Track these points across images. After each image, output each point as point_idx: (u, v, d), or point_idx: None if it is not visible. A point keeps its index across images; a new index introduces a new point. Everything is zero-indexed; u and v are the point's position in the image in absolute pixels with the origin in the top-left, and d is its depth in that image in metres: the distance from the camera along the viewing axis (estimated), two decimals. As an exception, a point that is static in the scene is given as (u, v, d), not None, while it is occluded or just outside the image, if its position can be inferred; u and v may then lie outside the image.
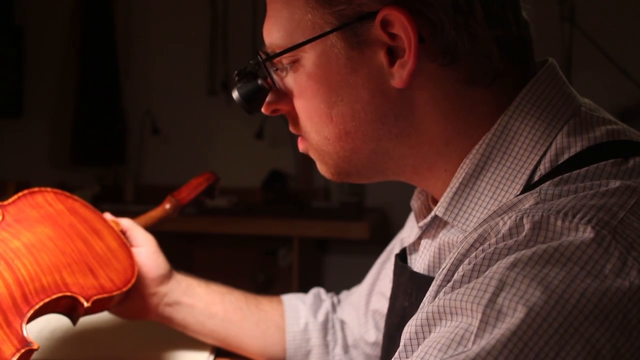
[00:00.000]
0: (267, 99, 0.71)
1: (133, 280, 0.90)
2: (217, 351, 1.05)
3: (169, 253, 0.99)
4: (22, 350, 0.73)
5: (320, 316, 1.03)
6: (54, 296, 0.80)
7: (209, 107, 3.21)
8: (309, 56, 0.65)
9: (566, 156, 0.61)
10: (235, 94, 0.71)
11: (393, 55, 0.62)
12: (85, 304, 0.82)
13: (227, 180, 3.21)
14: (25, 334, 0.74)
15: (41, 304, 0.78)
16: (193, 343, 1.03)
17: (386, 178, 0.71)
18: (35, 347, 0.74)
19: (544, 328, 0.47)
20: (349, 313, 1.02)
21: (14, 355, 0.72)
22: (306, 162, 3.14)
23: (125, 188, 3.13)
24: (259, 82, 0.71)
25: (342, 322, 1.02)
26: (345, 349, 1.01)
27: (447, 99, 0.63)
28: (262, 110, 0.72)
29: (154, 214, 1.02)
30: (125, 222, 0.97)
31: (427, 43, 0.61)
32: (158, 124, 3.22)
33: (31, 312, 0.77)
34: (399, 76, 0.62)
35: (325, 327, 1.02)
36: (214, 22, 3.17)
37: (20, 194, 0.88)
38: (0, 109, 3.22)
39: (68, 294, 0.81)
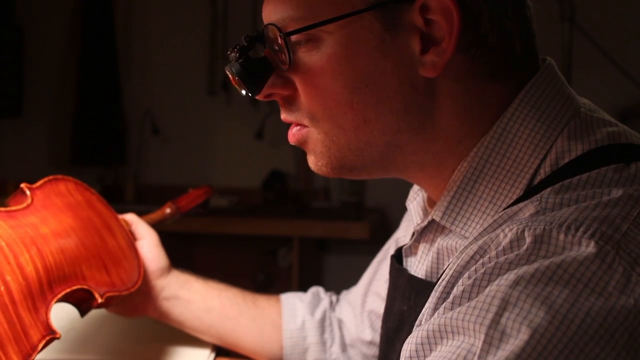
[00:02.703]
0: (270, 79, 0.64)
1: (139, 282, 0.90)
2: (217, 351, 1.05)
3: (169, 253, 1.00)
4: (47, 338, 0.73)
5: (318, 314, 1.03)
6: (74, 287, 0.80)
7: (209, 107, 3.21)
8: (332, 35, 0.60)
9: (567, 160, 0.59)
10: (236, 69, 0.63)
11: (424, 42, 0.60)
12: (99, 300, 0.83)
13: (227, 180, 3.22)
14: (50, 321, 0.75)
15: (63, 293, 0.78)
16: (193, 342, 1.03)
17: (386, 174, 0.68)
18: (58, 335, 0.74)
19: (548, 350, 0.46)
20: (346, 312, 1.02)
21: (40, 342, 0.72)
22: (306, 162, 3.13)
23: (125, 188, 3.13)
24: (266, 57, 0.64)
25: (340, 321, 1.02)
26: (343, 347, 1.01)
27: (469, 91, 0.62)
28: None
29: (154, 216, 1.04)
30: (130, 217, 0.98)
31: (461, 32, 0.59)
32: (158, 124, 3.22)
33: (55, 300, 0.77)
34: (431, 65, 0.60)
35: (322, 325, 1.02)
36: (214, 22, 3.17)
37: (46, 179, 0.87)
38: (0, 109, 3.22)
39: (85, 287, 0.82)
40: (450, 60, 0.60)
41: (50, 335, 0.73)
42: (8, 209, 0.80)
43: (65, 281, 0.79)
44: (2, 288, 0.71)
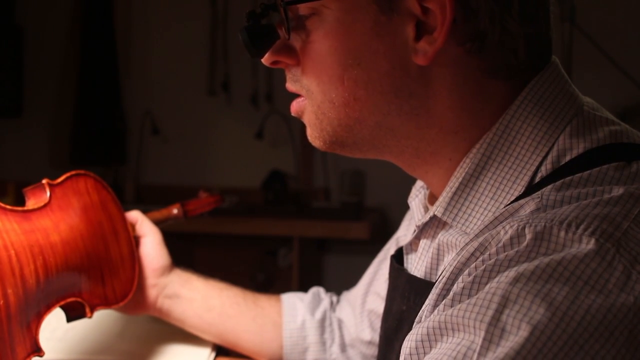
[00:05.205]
0: (274, 47, 0.66)
1: (130, 295, 0.90)
2: (218, 350, 1.05)
3: (169, 252, 1.00)
4: (32, 356, 0.72)
5: (318, 314, 1.03)
6: (69, 300, 0.80)
7: (209, 107, 3.21)
8: (332, 10, 0.62)
9: (568, 158, 0.60)
10: (243, 33, 0.66)
11: (420, 30, 0.60)
12: (88, 315, 0.83)
13: (227, 180, 3.22)
14: (38, 337, 0.74)
15: (57, 306, 0.78)
16: (194, 341, 1.04)
17: (381, 156, 0.69)
18: (42, 354, 0.74)
19: (548, 347, 0.46)
20: (346, 312, 1.02)
21: (24, 359, 0.71)
22: (306, 162, 3.14)
23: (125, 188, 3.13)
24: (271, 25, 0.66)
25: (340, 321, 1.03)
26: (342, 347, 1.01)
27: (466, 85, 0.62)
28: (264, 59, 0.67)
29: (159, 214, 1.03)
30: (135, 214, 0.98)
31: (458, 25, 0.60)
32: (158, 124, 3.22)
33: (47, 314, 0.76)
34: (423, 53, 0.60)
35: (322, 325, 1.02)
36: (214, 22, 3.17)
37: (69, 174, 0.85)
38: (0, 109, 3.22)
39: (79, 299, 0.81)
40: (443, 50, 0.60)
41: (35, 353, 0.73)
42: (25, 208, 0.79)
43: (62, 294, 0.79)
44: (2, 302, 0.70)
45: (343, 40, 0.62)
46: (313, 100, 0.66)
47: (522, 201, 0.58)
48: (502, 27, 0.60)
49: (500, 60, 0.61)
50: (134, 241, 0.94)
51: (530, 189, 0.59)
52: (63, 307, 0.82)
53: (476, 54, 0.61)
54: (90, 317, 0.83)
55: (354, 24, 0.61)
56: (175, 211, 1.04)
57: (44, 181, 0.83)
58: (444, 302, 0.54)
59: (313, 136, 0.69)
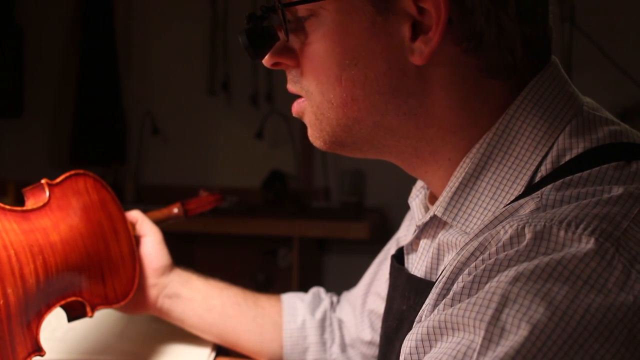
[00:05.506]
0: (273, 49, 0.67)
1: (131, 295, 0.90)
2: (218, 350, 1.05)
3: (169, 252, 1.00)
4: (33, 355, 0.72)
5: (318, 314, 1.03)
6: (69, 299, 0.80)
7: (209, 107, 3.21)
8: (329, 12, 0.62)
9: (568, 157, 0.60)
10: (242, 35, 0.66)
11: (416, 30, 0.61)
12: (89, 314, 0.83)
13: (227, 180, 3.22)
14: (39, 337, 0.74)
15: (57, 305, 0.78)
16: (194, 341, 1.04)
17: (381, 156, 0.69)
18: (43, 353, 0.74)
19: (547, 346, 0.46)
20: (347, 313, 1.02)
21: (24, 359, 0.71)
22: (306, 162, 3.14)
23: (125, 188, 3.13)
24: (271, 27, 0.67)
25: (340, 321, 1.03)
26: (343, 347, 1.01)
27: (464, 85, 0.62)
28: (264, 60, 0.68)
29: (160, 214, 1.03)
30: (135, 214, 0.98)
31: (454, 25, 0.60)
32: (158, 124, 3.22)
33: (48, 314, 0.76)
34: (419, 52, 0.61)
35: (322, 325, 1.02)
36: (214, 22, 3.17)
37: (67, 174, 0.85)
38: (0, 109, 3.22)
39: (80, 299, 0.81)
40: (440, 50, 0.60)
41: (36, 352, 0.73)
42: (24, 208, 0.79)
43: (62, 293, 0.79)
44: (2, 302, 0.70)
45: (340, 41, 0.62)
46: (312, 100, 0.67)
47: (521, 201, 0.58)
48: (499, 27, 0.60)
49: (497, 59, 0.61)
50: (134, 240, 0.94)
51: (530, 189, 0.59)
52: (64, 307, 0.82)
53: (473, 53, 0.61)
54: (91, 316, 0.83)
55: (350, 24, 0.62)
56: (175, 210, 1.04)
57: (43, 181, 0.83)
58: (444, 301, 0.54)
59: (314, 136, 0.69)
